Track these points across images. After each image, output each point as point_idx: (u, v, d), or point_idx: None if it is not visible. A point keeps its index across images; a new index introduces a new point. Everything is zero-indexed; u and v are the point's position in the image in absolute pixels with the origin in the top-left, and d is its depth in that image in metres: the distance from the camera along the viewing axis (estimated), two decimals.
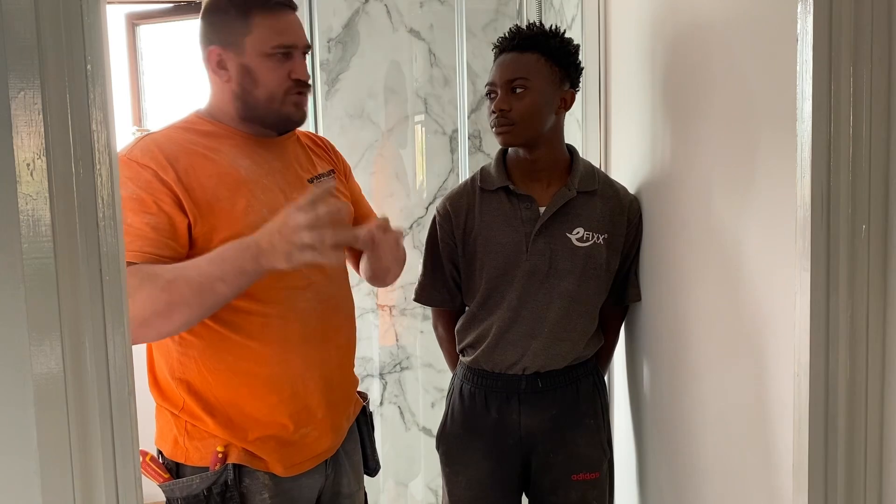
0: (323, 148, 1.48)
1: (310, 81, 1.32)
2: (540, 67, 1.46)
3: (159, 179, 1.16)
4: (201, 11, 1.29)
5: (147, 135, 1.25)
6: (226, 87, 1.27)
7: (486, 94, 1.51)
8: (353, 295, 1.44)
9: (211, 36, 1.26)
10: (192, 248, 1.19)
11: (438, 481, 1.75)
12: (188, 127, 1.28)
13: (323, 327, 1.32)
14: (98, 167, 0.60)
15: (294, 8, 1.30)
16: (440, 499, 1.71)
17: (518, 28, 1.50)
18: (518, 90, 1.46)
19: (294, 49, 1.28)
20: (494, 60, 1.51)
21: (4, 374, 0.57)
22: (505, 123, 1.46)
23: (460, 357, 1.65)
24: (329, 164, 1.45)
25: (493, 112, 1.47)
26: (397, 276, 1.52)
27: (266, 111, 1.28)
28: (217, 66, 1.26)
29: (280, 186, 1.28)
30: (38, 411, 0.57)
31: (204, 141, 1.25)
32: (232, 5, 1.25)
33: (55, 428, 0.58)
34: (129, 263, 1.11)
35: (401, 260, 1.47)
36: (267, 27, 1.25)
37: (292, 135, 1.39)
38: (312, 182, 1.36)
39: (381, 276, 1.51)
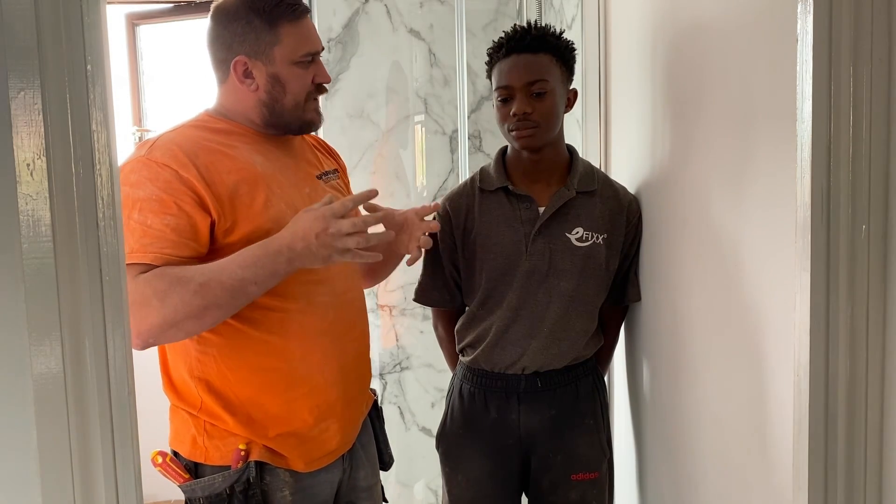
0: (327, 150, 1.52)
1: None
2: (553, 68, 1.45)
3: (180, 179, 1.16)
4: (214, 17, 1.28)
5: (163, 134, 1.25)
6: (252, 95, 1.28)
7: (499, 98, 1.47)
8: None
9: (234, 46, 1.26)
10: (213, 245, 1.20)
11: (438, 481, 1.75)
12: (201, 125, 1.28)
13: (339, 321, 1.33)
14: (98, 167, 0.60)
15: (309, 11, 1.32)
16: (440, 499, 1.71)
17: (524, 28, 1.47)
18: (538, 92, 1.43)
19: (317, 54, 1.30)
20: (499, 60, 1.47)
21: (4, 374, 0.57)
22: (529, 126, 1.44)
23: (460, 357, 1.65)
24: (334, 164, 1.49)
25: (514, 115, 1.43)
26: (392, 270, 1.57)
27: (291, 117, 1.30)
28: (243, 75, 1.27)
29: (292, 182, 1.30)
30: (38, 411, 0.57)
31: (219, 138, 1.26)
32: (255, 15, 1.24)
33: (55, 428, 0.58)
34: (151, 266, 1.12)
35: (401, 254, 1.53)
36: (295, 35, 1.26)
37: None
38: (321, 178, 1.39)
39: (380, 271, 1.54)
